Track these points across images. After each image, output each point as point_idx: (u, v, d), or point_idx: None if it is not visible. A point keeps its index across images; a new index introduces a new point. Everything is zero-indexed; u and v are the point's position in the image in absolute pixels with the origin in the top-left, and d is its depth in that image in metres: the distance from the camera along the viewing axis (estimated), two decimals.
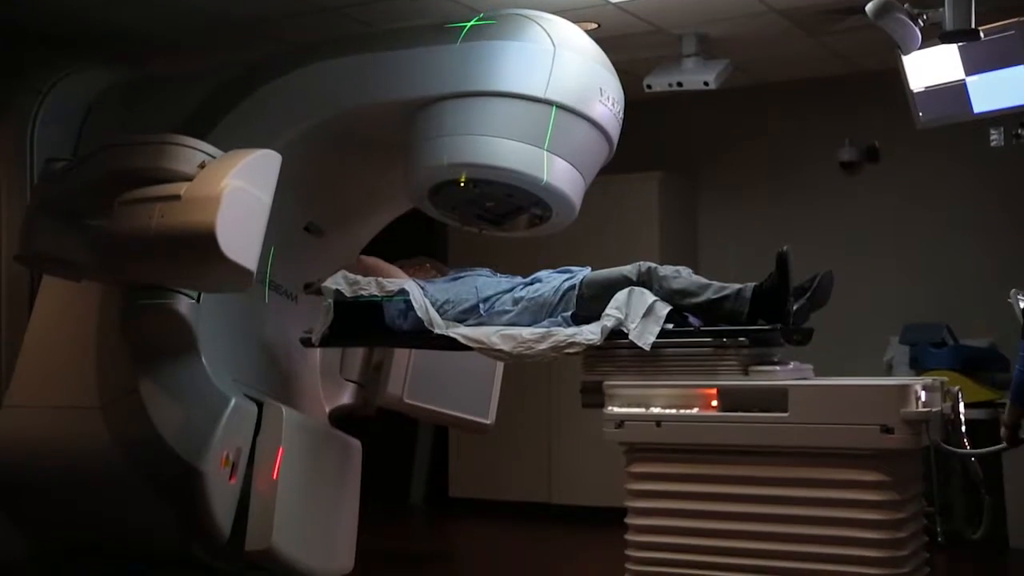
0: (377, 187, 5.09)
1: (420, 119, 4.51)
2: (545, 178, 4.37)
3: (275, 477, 4.32)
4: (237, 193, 3.91)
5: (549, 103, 4.37)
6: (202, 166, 4.04)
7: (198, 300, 4.34)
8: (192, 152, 4.08)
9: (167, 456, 4.22)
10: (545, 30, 4.50)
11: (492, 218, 4.79)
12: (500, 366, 5.53)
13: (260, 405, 4.47)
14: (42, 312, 4.76)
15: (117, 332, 4.36)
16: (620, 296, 4.27)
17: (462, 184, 4.45)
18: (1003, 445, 3.76)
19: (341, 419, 5.25)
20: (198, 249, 3.86)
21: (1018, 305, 4.05)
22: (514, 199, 4.60)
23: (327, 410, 5.17)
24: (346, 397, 5.30)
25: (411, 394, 5.40)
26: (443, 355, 5.09)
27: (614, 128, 4.63)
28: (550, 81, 4.38)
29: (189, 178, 3.99)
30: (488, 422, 5.61)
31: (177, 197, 3.92)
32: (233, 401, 4.35)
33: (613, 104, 4.57)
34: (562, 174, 4.46)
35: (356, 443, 4.89)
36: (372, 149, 4.83)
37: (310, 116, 4.67)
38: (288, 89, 4.71)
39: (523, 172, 4.37)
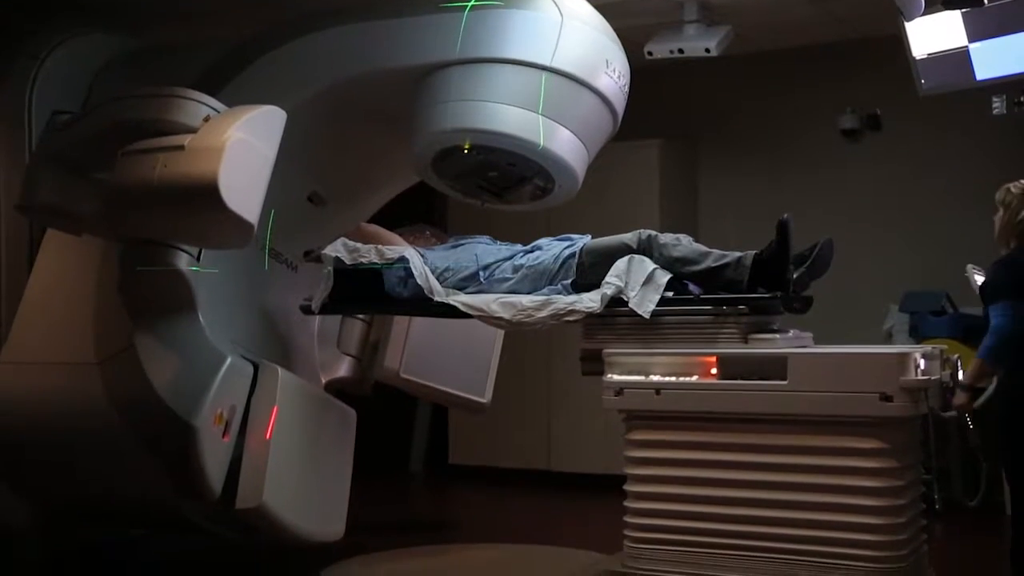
0: (381, 159, 5.06)
1: (425, 86, 4.49)
2: (542, 143, 4.35)
3: (268, 437, 4.33)
4: (241, 145, 3.89)
5: (555, 72, 4.36)
6: (207, 119, 4.03)
7: (198, 258, 4.34)
8: (197, 105, 4.07)
9: (161, 411, 4.21)
10: (553, 0, 4.47)
11: (495, 190, 4.77)
12: (499, 344, 5.53)
13: (256, 367, 4.47)
14: (43, 268, 4.75)
15: (116, 288, 4.34)
16: (620, 264, 4.26)
17: (465, 151, 4.44)
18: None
19: (337, 394, 5.25)
20: (200, 200, 3.84)
21: (974, 280, 4.06)
22: (517, 168, 4.58)
23: (323, 381, 5.17)
24: (343, 370, 5.30)
25: (408, 369, 5.39)
26: (441, 331, 5.09)
27: (619, 101, 4.61)
28: (556, 50, 4.36)
29: (193, 130, 3.98)
30: (484, 401, 5.62)
31: (180, 148, 3.91)
32: (229, 359, 4.35)
33: (619, 77, 4.55)
34: (565, 144, 4.44)
35: (351, 411, 4.90)
36: (376, 120, 4.80)
37: (314, 83, 4.65)
38: (292, 57, 4.68)
39: (524, 138, 4.35)
